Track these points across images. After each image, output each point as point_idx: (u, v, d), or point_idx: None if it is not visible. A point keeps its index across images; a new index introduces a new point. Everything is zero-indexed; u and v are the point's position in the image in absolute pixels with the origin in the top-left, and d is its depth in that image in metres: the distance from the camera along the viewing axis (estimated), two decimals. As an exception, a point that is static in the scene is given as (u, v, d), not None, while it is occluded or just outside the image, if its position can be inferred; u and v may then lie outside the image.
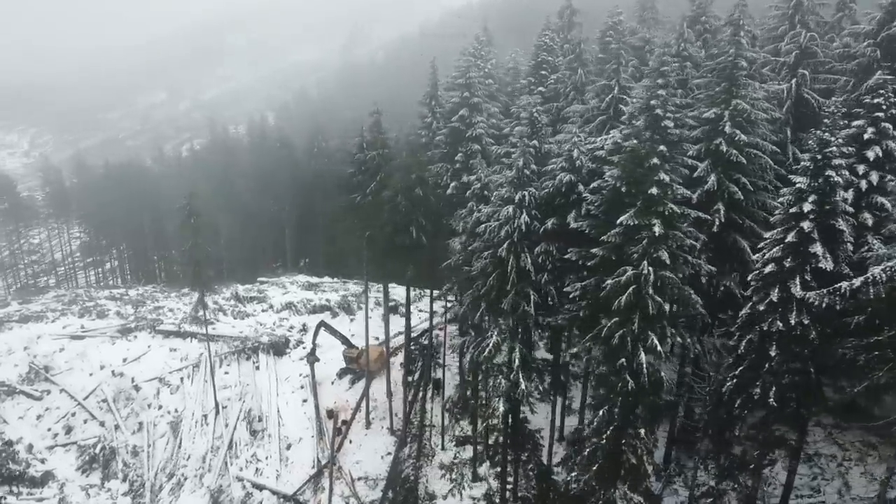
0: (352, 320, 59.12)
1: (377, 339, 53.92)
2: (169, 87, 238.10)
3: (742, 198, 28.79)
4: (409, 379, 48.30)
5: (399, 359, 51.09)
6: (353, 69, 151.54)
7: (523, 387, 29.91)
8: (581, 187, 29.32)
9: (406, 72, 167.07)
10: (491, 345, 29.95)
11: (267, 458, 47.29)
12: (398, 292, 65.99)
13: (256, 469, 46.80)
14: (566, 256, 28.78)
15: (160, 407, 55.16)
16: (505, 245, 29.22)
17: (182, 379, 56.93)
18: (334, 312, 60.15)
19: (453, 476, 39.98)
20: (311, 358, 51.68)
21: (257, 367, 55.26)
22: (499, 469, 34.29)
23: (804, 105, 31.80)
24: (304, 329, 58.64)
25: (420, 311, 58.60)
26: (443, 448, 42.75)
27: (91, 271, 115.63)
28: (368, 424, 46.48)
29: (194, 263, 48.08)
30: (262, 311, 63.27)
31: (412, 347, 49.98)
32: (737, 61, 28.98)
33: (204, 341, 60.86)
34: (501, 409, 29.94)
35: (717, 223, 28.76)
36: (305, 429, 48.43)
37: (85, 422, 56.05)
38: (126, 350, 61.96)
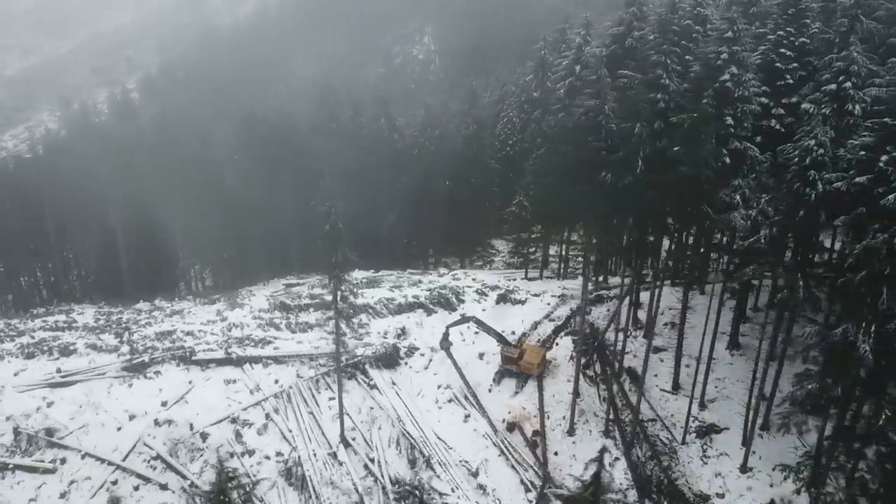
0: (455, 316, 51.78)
1: (513, 332, 48.16)
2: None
3: None
4: (589, 373, 43.62)
5: (558, 353, 45.92)
6: (218, 32, 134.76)
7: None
8: None
9: (276, 34, 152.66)
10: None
11: (453, 490, 40.12)
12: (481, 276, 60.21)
13: (447, 507, 39.67)
14: None
15: (251, 453, 44.84)
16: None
17: (268, 415, 46.60)
18: (429, 310, 52.34)
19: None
20: (445, 343, 46.85)
21: (372, 386, 46.67)
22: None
23: None
24: (402, 333, 50.30)
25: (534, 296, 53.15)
26: (683, 442, 39.09)
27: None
28: (572, 430, 41.16)
29: (336, 273, 38.96)
30: (327, 318, 53.46)
31: (575, 339, 45.20)
32: None
33: (270, 366, 50.74)
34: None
35: None
36: (485, 447, 41.81)
37: (136, 488, 44.59)
38: (157, 391, 49.68)
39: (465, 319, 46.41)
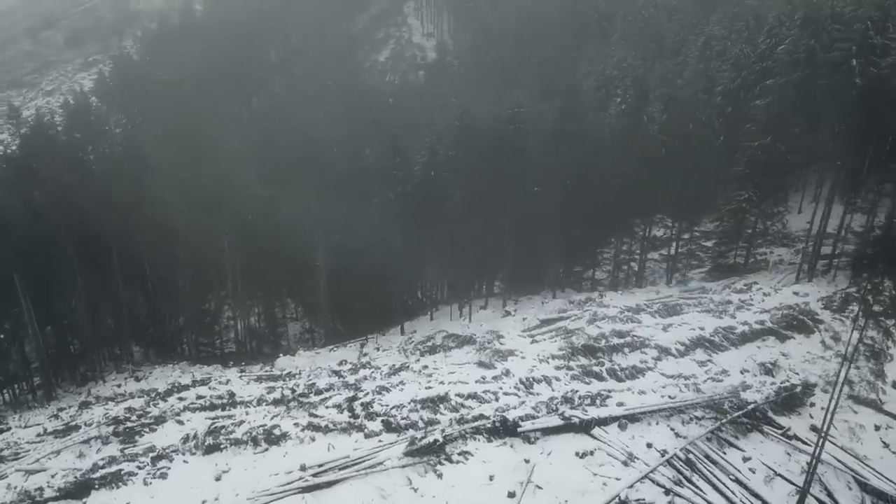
0: (819, 342, 43.52)
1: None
2: None
3: None
4: None
5: None
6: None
7: None
8: None
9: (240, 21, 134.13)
10: None
11: None
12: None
13: None
14: None
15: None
16: None
17: (668, 490, 35.92)
18: (781, 336, 43.56)
19: None
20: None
21: (790, 437, 37.77)
22: None
23: None
24: (774, 367, 41.71)
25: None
26: None
27: None
28: None
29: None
30: (654, 358, 43.50)
31: None
32: None
33: (628, 427, 40.29)
34: None
35: None
36: None
37: None
38: (486, 478, 37.71)
39: None
